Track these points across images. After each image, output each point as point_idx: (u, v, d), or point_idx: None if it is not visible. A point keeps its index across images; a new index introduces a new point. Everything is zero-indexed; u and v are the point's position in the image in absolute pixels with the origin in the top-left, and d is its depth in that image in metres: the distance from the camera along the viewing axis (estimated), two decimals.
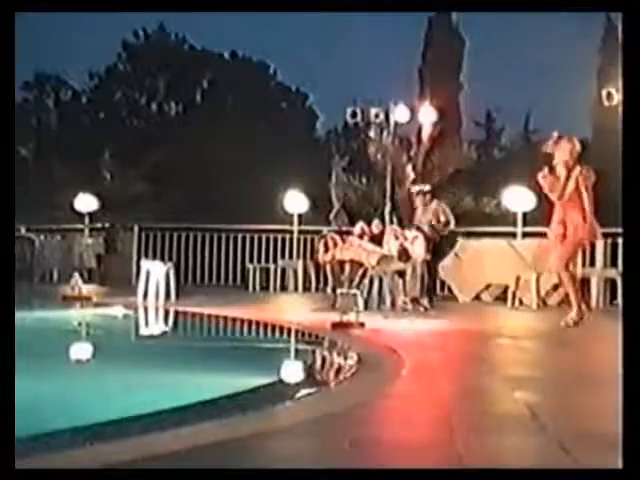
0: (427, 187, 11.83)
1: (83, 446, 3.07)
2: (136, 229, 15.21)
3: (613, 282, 11.83)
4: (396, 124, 14.87)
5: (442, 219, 11.13)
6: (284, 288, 13.95)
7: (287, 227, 14.64)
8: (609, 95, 12.47)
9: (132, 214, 17.19)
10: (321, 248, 11.16)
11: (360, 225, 11.74)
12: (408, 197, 12.20)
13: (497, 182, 14.45)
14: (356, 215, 14.56)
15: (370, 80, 25.51)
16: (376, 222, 11.88)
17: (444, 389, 4.74)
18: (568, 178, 8.38)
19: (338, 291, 8.68)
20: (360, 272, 10.31)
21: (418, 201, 11.46)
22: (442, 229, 11.26)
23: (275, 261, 14.41)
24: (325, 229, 12.38)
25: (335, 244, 10.89)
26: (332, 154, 19.16)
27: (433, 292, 11.08)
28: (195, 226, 15.11)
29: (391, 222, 12.35)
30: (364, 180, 16.58)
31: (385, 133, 15.51)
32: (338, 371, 5.66)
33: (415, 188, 11.95)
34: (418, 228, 10.99)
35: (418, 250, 10.48)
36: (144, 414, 3.67)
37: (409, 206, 12.13)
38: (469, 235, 13.10)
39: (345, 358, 6.09)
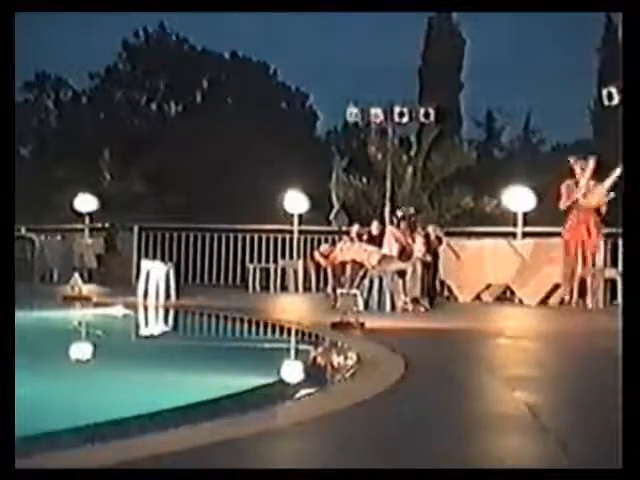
0: (411, 209, 11.25)
1: (83, 446, 3.07)
2: (136, 229, 15.20)
3: (613, 282, 11.82)
4: (396, 124, 14.85)
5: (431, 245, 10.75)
6: (284, 288, 13.93)
7: (287, 227, 14.62)
8: (609, 95, 12.45)
9: (132, 214, 17.16)
10: (320, 259, 11.24)
11: (356, 228, 11.71)
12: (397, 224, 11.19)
13: (497, 182, 14.42)
14: (356, 215, 14.57)
15: (370, 80, 25.55)
16: (376, 224, 11.87)
17: (444, 389, 4.74)
18: (590, 193, 11.11)
19: (338, 291, 8.67)
20: (361, 273, 10.31)
21: (403, 226, 10.78)
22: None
23: (275, 261, 14.39)
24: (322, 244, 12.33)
25: (328, 255, 10.92)
26: (332, 154, 19.10)
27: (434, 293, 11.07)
28: (195, 226, 15.09)
29: (391, 222, 12.33)
30: (364, 180, 16.53)
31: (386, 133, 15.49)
32: (338, 371, 5.66)
33: (398, 213, 11.20)
34: (423, 229, 10.99)
35: (418, 250, 10.48)
36: (144, 414, 3.67)
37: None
38: (469, 235, 13.10)
39: (345, 358, 6.09)
